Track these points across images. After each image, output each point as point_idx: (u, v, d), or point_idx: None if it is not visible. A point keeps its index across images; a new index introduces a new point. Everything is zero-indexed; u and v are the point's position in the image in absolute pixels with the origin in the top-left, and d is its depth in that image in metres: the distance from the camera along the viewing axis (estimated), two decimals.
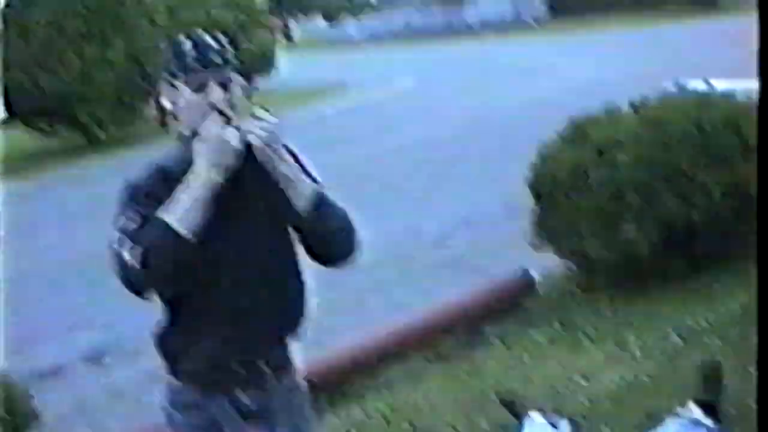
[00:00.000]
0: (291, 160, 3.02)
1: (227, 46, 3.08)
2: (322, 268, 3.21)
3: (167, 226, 2.89)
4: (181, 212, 2.90)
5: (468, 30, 54.37)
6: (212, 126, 2.94)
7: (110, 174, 19.79)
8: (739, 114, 6.66)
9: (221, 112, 2.96)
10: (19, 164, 22.94)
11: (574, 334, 6.62)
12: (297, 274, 3.23)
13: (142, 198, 3.02)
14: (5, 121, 26.76)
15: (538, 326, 6.93)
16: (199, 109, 2.99)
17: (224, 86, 3.01)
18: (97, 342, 8.84)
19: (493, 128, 17.23)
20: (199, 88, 3.00)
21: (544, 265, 7.58)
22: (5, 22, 23.81)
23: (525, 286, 7.40)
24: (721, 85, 7.56)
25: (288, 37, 71.91)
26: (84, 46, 22.96)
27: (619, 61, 25.14)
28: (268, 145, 2.92)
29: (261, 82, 33.10)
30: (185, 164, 2.98)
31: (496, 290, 7.34)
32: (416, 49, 44.38)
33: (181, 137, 3.14)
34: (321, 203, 3.03)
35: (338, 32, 66.31)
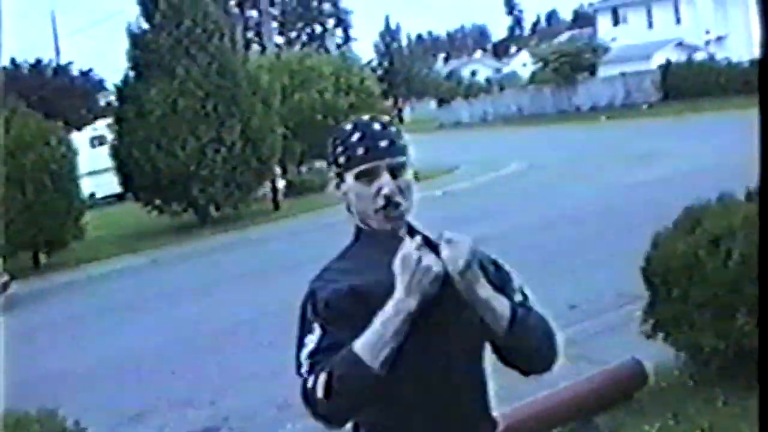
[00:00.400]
0: (486, 283, 2.83)
1: (394, 129, 2.96)
2: None
3: (359, 360, 2.70)
4: (376, 345, 2.71)
5: (579, 113, 54.32)
6: (413, 250, 2.74)
7: (220, 251, 20.19)
8: None
9: (392, 201, 2.87)
10: (134, 239, 23.42)
11: (687, 426, 6.47)
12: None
13: (331, 317, 2.83)
14: (121, 197, 27.41)
15: (650, 418, 6.78)
16: (369, 198, 2.90)
17: (394, 172, 2.89)
18: (205, 419, 8.88)
19: (605, 213, 17.07)
20: (369, 176, 2.89)
21: (656, 354, 7.43)
22: (122, 99, 24.50)
23: (637, 376, 7.25)
24: None
25: (400, 118, 72.74)
26: (199, 126, 23.43)
27: (733, 147, 24.81)
28: (465, 271, 2.75)
29: None
30: (373, 278, 2.83)
31: (607, 379, 7.20)
32: (527, 132, 44.43)
33: (357, 232, 3.02)
34: (520, 322, 2.86)
35: (450, 114, 66.72)
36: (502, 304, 2.84)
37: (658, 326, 7.12)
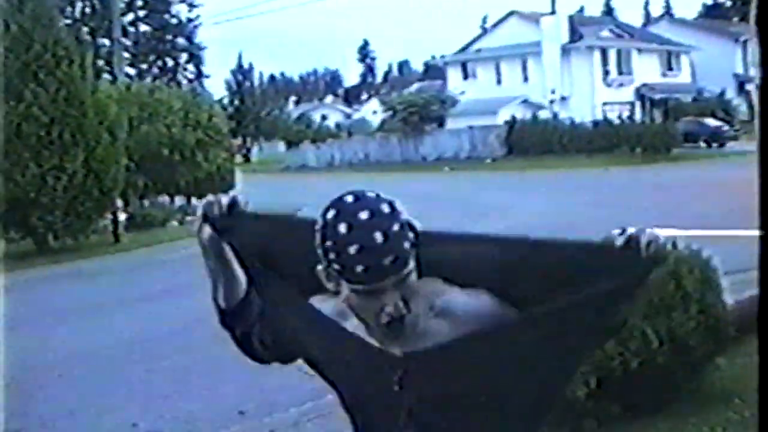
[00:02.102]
0: None
1: (394, 230, 2.42)
2: None
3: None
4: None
5: (425, 163, 55.09)
6: None
7: (55, 282, 19.78)
8: (679, 264, 6.81)
9: (395, 319, 2.48)
10: None
11: None
12: None
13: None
14: None
15: None
16: (371, 312, 2.50)
17: (399, 284, 2.46)
18: None
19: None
20: (371, 294, 2.46)
21: None
22: None
23: None
24: (665, 234, 7.71)
25: (247, 158, 72.57)
26: (42, 152, 23.04)
27: (572, 204, 25.52)
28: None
29: None
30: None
31: None
32: (372, 179, 44.77)
33: None
34: None
35: (297, 157, 66.85)
36: None
37: None
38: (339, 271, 2.43)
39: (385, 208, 2.44)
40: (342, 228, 2.40)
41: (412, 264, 2.46)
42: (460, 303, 2.56)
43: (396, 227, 2.40)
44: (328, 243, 2.42)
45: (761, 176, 2.95)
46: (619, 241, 2.41)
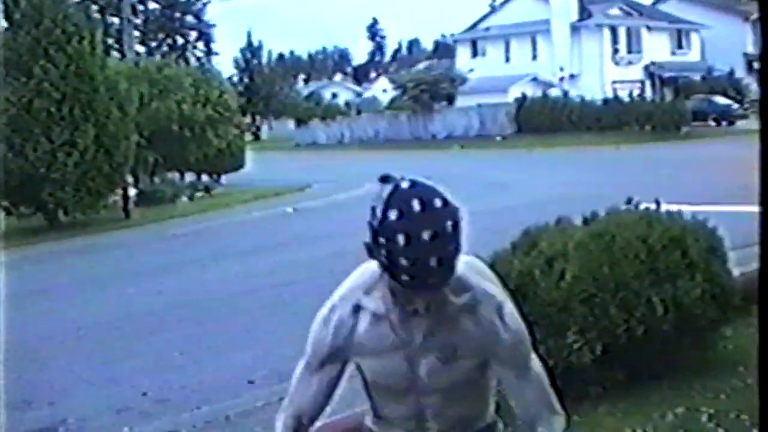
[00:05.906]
0: None
1: (448, 227, 2.48)
2: None
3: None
4: None
5: (434, 141, 55.06)
6: None
7: (67, 256, 19.89)
8: (685, 233, 6.87)
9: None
10: None
11: None
12: None
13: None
14: None
15: None
16: (405, 297, 2.62)
17: (430, 304, 2.63)
18: (42, 420, 8.81)
19: None
20: (405, 302, 2.63)
21: None
22: None
23: None
24: (671, 207, 7.75)
25: (257, 136, 72.53)
26: (53, 128, 23.14)
27: (580, 180, 25.53)
28: None
29: (229, 178, 33.37)
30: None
31: None
32: (383, 156, 44.86)
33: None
34: None
35: (307, 135, 66.77)
36: None
37: None
38: (385, 263, 2.50)
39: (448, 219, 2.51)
40: (401, 240, 2.44)
41: (444, 294, 2.62)
42: (486, 308, 2.80)
43: (448, 223, 2.48)
44: (381, 234, 2.50)
45: (762, 150, 3.00)
46: None
